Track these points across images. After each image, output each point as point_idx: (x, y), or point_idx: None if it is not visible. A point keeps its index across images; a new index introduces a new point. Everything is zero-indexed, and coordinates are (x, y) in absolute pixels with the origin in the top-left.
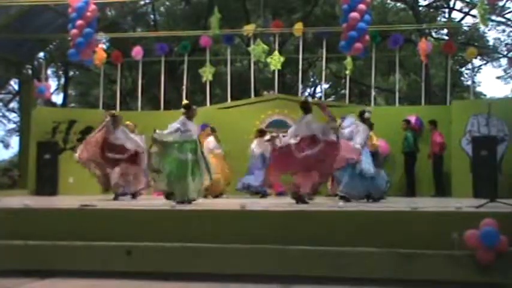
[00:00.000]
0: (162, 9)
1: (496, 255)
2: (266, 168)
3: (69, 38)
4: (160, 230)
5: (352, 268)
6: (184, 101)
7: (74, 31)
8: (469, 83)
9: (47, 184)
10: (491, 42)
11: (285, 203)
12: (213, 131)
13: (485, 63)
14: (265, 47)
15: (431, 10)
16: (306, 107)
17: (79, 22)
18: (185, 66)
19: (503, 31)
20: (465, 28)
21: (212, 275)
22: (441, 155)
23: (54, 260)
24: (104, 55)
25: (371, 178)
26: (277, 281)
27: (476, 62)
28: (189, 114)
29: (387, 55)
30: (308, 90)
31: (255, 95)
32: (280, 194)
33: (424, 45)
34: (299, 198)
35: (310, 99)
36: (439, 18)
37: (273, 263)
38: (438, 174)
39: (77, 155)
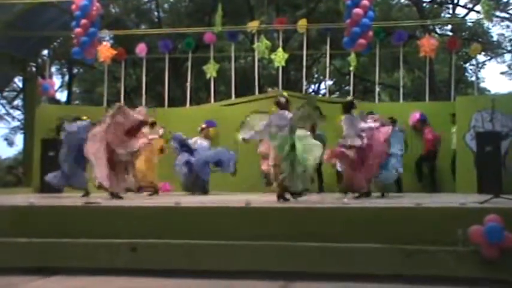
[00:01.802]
0: (165, 6)
1: (500, 251)
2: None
3: (73, 36)
4: (165, 226)
5: (357, 264)
6: (283, 93)
7: (78, 30)
8: (473, 78)
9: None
10: (495, 38)
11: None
12: (153, 124)
13: (489, 59)
14: (268, 43)
15: (435, 6)
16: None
17: (83, 21)
18: (189, 63)
19: (507, 27)
20: (469, 24)
21: (216, 272)
22: (433, 151)
23: (59, 258)
24: (112, 52)
25: None
26: (281, 277)
27: (480, 57)
28: (281, 108)
29: (391, 51)
30: (312, 86)
31: (259, 92)
32: None
33: (426, 42)
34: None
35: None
36: (443, 14)
37: (278, 260)
38: (430, 171)
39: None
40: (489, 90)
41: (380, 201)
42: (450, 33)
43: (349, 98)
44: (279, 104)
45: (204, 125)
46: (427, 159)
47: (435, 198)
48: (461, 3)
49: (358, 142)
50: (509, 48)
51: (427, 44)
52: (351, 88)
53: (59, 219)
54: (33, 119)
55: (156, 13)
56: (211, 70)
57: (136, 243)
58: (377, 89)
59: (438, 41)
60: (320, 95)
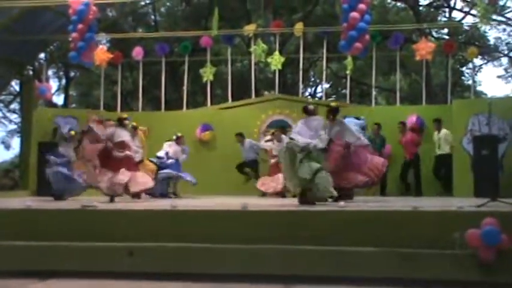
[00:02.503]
0: (162, 9)
1: (497, 254)
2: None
3: (70, 40)
4: (162, 230)
5: (354, 268)
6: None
7: (75, 35)
8: (470, 82)
9: (48, 185)
10: (491, 42)
11: (285, 203)
12: (135, 129)
13: (486, 63)
14: (265, 46)
15: (432, 10)
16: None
17: (80, 26)
18: (186, 66)
19: (504, 30)
20: (466, 27)
21: (215, 276)
22: (415, 155)
23: (55, 261)
24: (108, 56)
25: None
26: (279, 281)
27: (477, 61)
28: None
29: (388, 55)
30: (309, 90)
31: (256, 95)
32: (279, 193)
33: (422, 45)
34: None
35: None
36: (439, 18)
37: (275, 263)
38: (416, 175)
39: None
40: (486, 94)
41: (377, 204)
42: (447, 37)
43: (333, 103)
44: (307, 111)
45: (180, 134)
46: (414, 163)
47: (432, 202)
48: (458, 6)
49: (366, 141)
50: (506, 51)
51: (424, 48)
52: (348, 91)
53: (56, 222)
54: (30, 122)
55: (152, 17)
56: (208, 73)
57: (133, 247)
58: (373, 93)
59: (435, 44)
60: (317, 98)
